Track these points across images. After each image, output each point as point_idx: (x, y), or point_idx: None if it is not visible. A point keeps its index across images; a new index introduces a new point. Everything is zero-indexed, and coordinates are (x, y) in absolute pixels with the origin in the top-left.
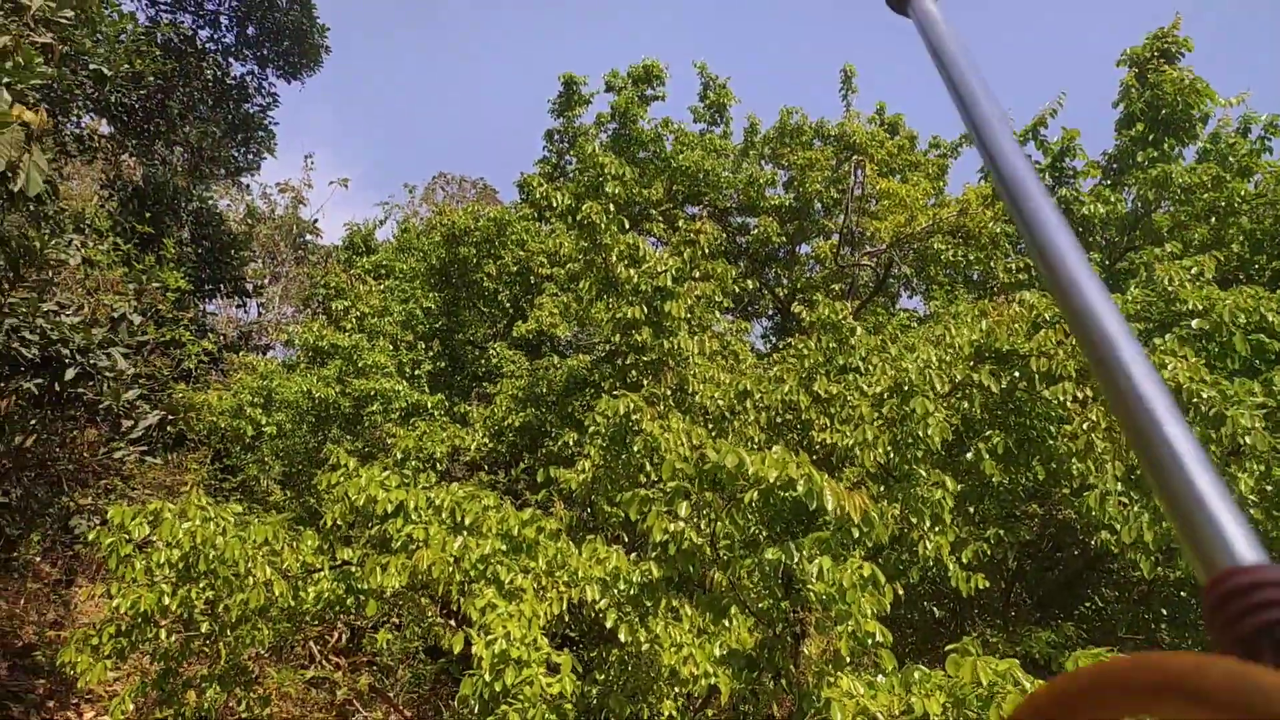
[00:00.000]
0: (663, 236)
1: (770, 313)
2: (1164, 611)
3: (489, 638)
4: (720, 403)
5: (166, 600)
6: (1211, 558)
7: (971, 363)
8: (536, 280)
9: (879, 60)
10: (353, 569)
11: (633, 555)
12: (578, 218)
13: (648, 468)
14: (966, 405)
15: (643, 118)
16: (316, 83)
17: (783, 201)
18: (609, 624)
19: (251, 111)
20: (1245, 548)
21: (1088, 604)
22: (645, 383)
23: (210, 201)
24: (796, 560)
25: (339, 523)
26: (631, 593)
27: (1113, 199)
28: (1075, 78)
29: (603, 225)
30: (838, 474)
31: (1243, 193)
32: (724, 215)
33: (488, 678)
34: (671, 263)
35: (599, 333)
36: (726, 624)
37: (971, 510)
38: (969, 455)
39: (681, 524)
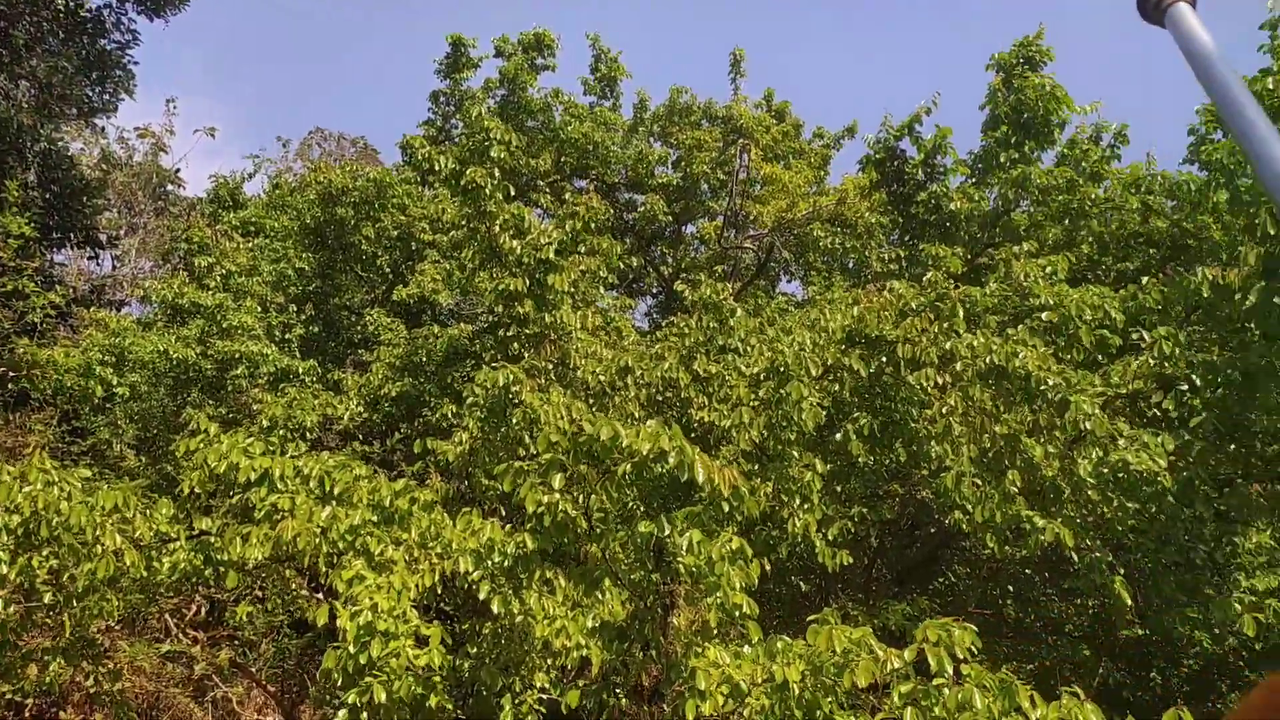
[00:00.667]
0: (550, 208)
1: (655, 291)
2: (1010, 588)
3: (355, 610)
4: (601, 378)
5: (4, 569)
6: None
7: (843, 347)
8: (418, 246)
9: (770, 48)
10: (212, 539)
11: (507, 527)
12: (462, 183)
13: (526, 440)
14: (837, 388)
15: (532, 86)
16: (184, 23)
17: (670, 180)
18: (482, 596)
19: (108, 48)
20: None
21: (941, 580)
22: (526, 355)
23: (60, 143)
24: (668, 533)
25: (197, 491)
26: (506, 565)
27: (976, 197)
28: (955, 77)
29: (488, 191)
30: (714, 452)
31: (1093, 197)
32: (612, 191)
33: (352, 650)
34: (556, 235)
35: (481, 303)
36: (599, 596)
37: (838, 489)
38: (838, 436)
39: (556, 496)
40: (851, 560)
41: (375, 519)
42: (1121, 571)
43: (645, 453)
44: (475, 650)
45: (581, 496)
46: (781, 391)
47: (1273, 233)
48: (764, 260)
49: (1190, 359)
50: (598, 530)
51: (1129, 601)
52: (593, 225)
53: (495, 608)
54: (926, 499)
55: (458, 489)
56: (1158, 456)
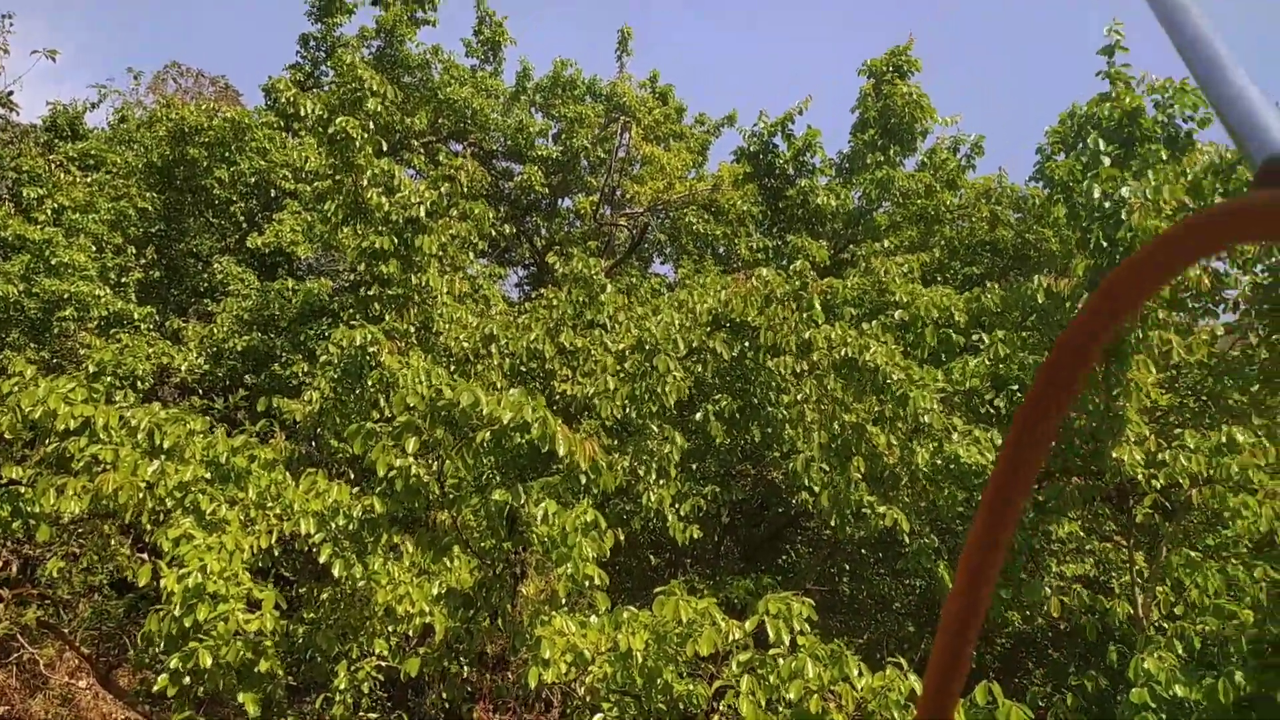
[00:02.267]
0: (423, 169)
1: (527, 261)
2: (846, 567)
3: (182, 571)
4: (465, 345)
5: None
6: (1268, 146)
7: (708, 329)
8: (277, 194)
9: (660, 30)
10: (22, 489)
11: (355, 490)
12: (330, 131)
13: (382, 403)
14: (700, 369)
15: (411, 40)
16: None
17: (550, 153)
18: (323, 560)
19: None
20: None
21: (785, 557)
22: (388, 317)
23: None
24: (523, 503)
25: (8, 438)
26: (351, 528)
27: (842, 195)
28: (829, 78)
29: (358, 143)
30: (575, 424)
31: (948, 203)
32: (489, 158)
33: (177, 612)
34: (428, 196)
35: (343, 259)
36: (448, 563)
37: (694, 467)
38: (698, 416)
39: (409, 460)
40: (701, 536)
41: (209, 476)
42: (946, 556)
43: (506, 421)
44: (311, 615)
45: (436, 462)
46: (648, 365)
47: (1104, 245)
48: (638, 239)
49: (1023, 361)
50: (450, 496)
51: (950, 583)
52: (467, 190)
53: (336, 572)
54: (776, 480)
55: (304, 450)
56: (986, 450)
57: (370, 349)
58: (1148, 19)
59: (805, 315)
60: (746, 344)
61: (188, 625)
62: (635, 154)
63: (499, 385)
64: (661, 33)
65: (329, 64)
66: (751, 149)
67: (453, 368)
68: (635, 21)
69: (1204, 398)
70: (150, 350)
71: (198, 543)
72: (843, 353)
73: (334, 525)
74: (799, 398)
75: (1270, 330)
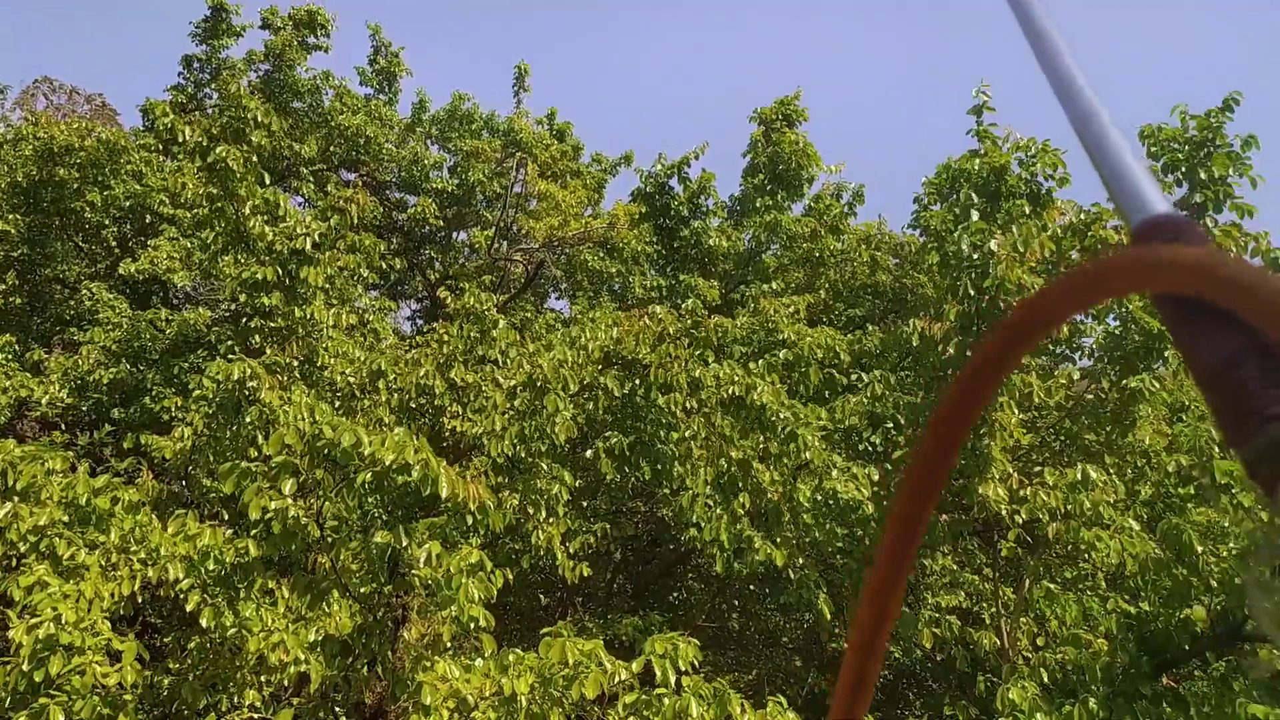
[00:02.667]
0: (312, 198)
1: (420, 294)
2: (735, 602)
3: (33, 621)
4: (351, 380)
5: None
6: (1140, 209)
7: (600, 366)
8: (153, 220)
9: (559, 68)
10: None
11: (228, 532)
12: (209, 160)
13: (260, 441)
14: (591, 406)
15: (301, 65)
16: None
17: (445, 185)
18: (190, 607)
19: None
20: (1162, 203)
21: (676, 594)
22: (269, 350)
23: None
24: (406, 545)
25: None
26: (222, 573)
27: (734, 236)
28: (725, 122)
29: (239, 174)
30: (465, 461)
31: (832, 248)
32: (382, 188)
33: (26, 667)
34: (315, 227)
35: (224, 289)
36: (325, 608)
37: (585, 504)
38: (589, 454)
39: (286, 502)
40: (591, 574)
41: (67, 519)
42: (825, 590)
43: (389, 463)
44: (177, 666)
45: (316, 503)
46: (537, 403)
47: (972, 293)
48: (533, 275)
49: (897, 400)
50: (330, 539)
51: (829, 616)
52: (357, 221)
53: (204, 621)
54: (667, 517)
55: (173, 489)
56: (863, 486)
57: (249, 384)
58: (1018, 81)
59: (696, 354)
60: (638, 381)
61: (38, 680)
62: (531, 190)
63: (386, 421)
64: (565, 68)
65: (213, 85)
66: (648, 190)
67: (338, 403)
68: (538, 58)
69: (1062, 437)
70: (8, 383)
71: (53, 590)
72: (731, 391)
73: (203, 570)
74: (688, 435)
75: (1120, 376)
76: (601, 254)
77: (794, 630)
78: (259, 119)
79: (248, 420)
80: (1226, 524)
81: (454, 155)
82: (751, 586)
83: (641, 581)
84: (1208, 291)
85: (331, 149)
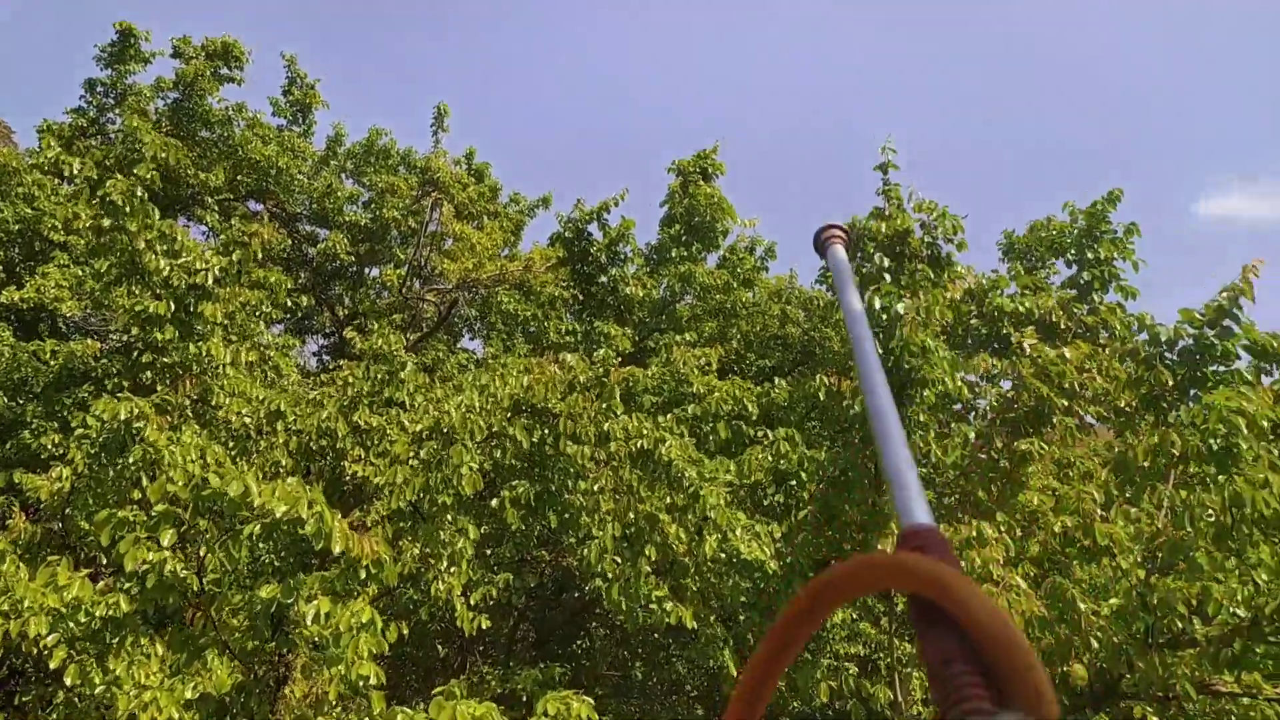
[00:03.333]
0: (216, 228)
1: (328, 330)
2: (640, 651)
3: None
4: (248, 420)
5: None
6: (907, 517)
7: (509, 414)
8: (43, 246)
9: (481, 109)
10: None
11: (101, 584)
12: (100, 193)
13: (145, 483)
14: (499, 454)
15: (213, 95)
16: None
17: (359, 219)
18: (54, 665)
19: None
20: (924, 515)
21: (580, 642)
22: (160, 388)
23: None
24: (292, 601)
25: None
26: (94, 627)
27: (649, 285)
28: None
29: (127, 209)
30: (366, 507)
31: (744, 299)
32: (293, 220)
33: None
34: (215, 262)
35: (116, 321)
36: (203, 665)
37: (489, 553)
38: (494, 503)
39: (165, 554)
40: (490, 624)
41: None
42: (730, 642)
43: (279, 515)
44: None
45: (198, 553)
46: (443, 454)
47: (879, 353)
48: (445, 316)
49: (802, 456)
50: (211, 593)
51: (735, 671)
52: (261, 255)
53: (69, 679)
54: (572, 566)
55: (48, 533)
56: (766, 545)
57: (137, 423)
58: (918, 141)
59: (605, 406)
60: (546, 430)
61: None
62: (447, 229)
63: (284, 464)
64: (490, 108)
65: (117, 110)
66: (567, 234)
67: (232, 445)
68: (461, 96)
69: (957, 495)
70: None
71: None
72: (639, 445)
73: (73, 624)
74: (595, 487)
75: (1010, 437)
76: (517, 296)
77: (698, 679)
78: (154, 153)
79: (131, 461)
80: (1112, 581)
81: (369, 190)
82: (656, 635)
83: (545, 630)
84: (934, 596)
85: (240, 178)
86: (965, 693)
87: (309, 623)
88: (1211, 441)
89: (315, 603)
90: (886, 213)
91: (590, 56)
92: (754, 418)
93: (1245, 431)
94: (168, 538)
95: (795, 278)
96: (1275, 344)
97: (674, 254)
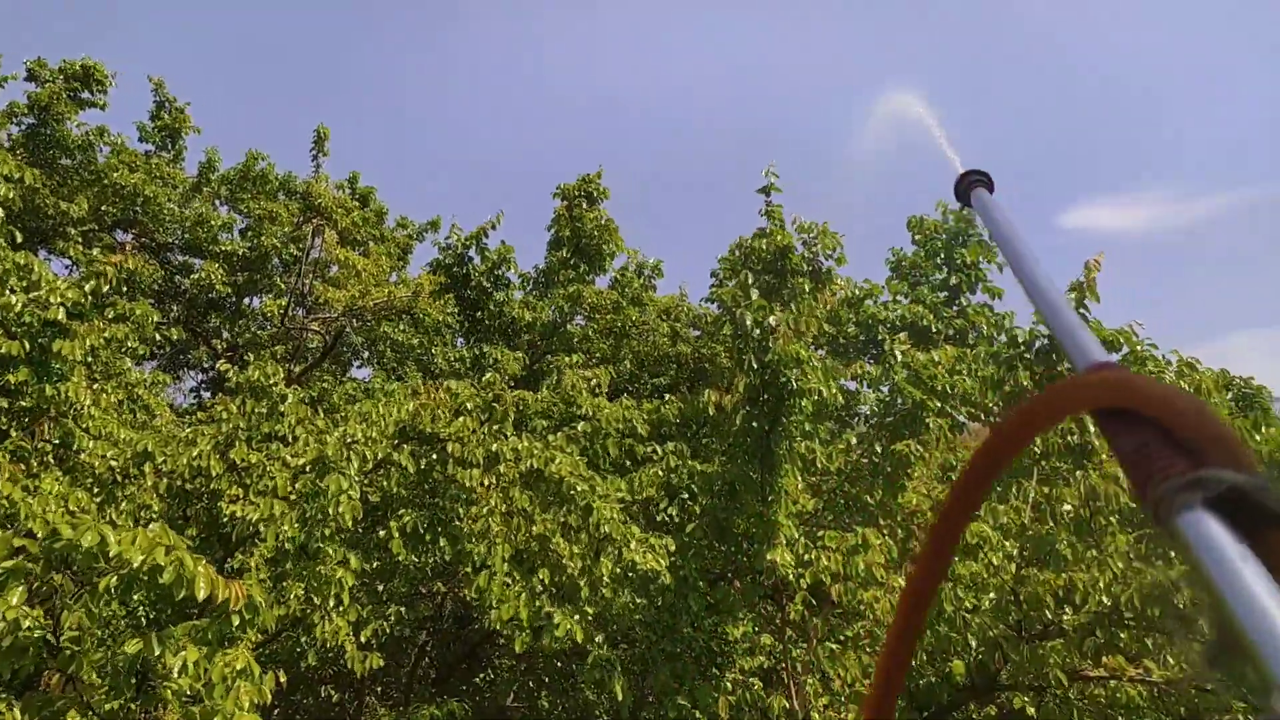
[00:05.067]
0: (79, 260)
1: (205, 365)
2: (545, 679)
3: None
4: (114, 464)
5: None
6: (1089, 356)
7: (395, 442)
8: None
9: (361, 133)
10: None
11: None
12: None
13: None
14: (385, 483)
15: (71, 120)
16: None
17: (236, 248)
18: None
19: None
20: (1102, 353)
21: (483, 675)
22: (14, 434)
23: None
24: (159, 654)
25: None
26: None
27: (538, 307)
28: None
29: None
30: (246, 548)
31: (634, 319)
32: (164, 250)
33: None
34: (71, 295)
35: None
36: None
37: (380, 588)
38: (381, 534)
39: (16, 612)
40: (385, 663)
41: None
42: (619, 666)
43: (138, 565)
44: None
45: (54, 610)
46: (320, 484)
47: (756, 367)
48: (331, 345)
49: (692, 470)
50: (69, 652)
51: (620, 696)
52: (123, 287)
53: None
54: (469, 596)
55: None
56: (661, 557)
57: None
58: (798, 168)
59: (495, 428)
60: (435, 456)
61: None
62: (330, 256)
63: (155, 509)
64: (375, 131)
65: None
66: (446, 261)
67: (97, 491)
68: (345, 121)
69: (843, 501)
70: None
71: None
72: (529, 464)
73: None
74: (484, 511)
75: (890, 441)
76: (404, 325)
77: (607, 704)
78: (8, 173)
79: None
80: (986, 577)
81: (246, 217)
82: (559, 663)
83: (447, 665)
84: (1137, 403)
85: (105, 208)
86: (1167, 465)
87: (176, 675)
88: (1070, 438)
89: (182, 654)
90: (769, 231)
91: (484, 79)
92: (645, 435)
93: (1095, 430)
94: (16, 596)
95: (686, 295)
96: (1120, 339)
97: (561, 276)
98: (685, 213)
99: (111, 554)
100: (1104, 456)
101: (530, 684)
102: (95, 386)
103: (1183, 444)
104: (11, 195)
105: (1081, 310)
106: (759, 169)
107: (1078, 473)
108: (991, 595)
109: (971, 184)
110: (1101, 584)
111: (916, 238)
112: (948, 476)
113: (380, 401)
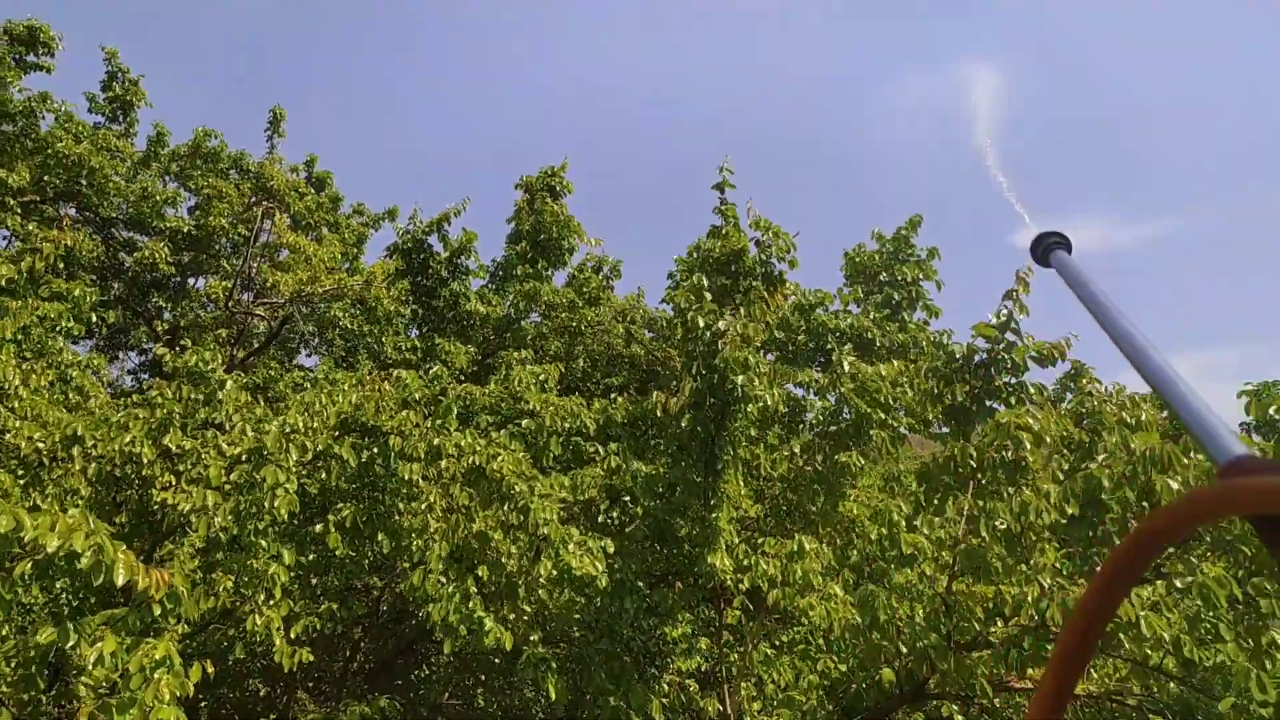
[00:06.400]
0: (18, 231)
1: (144, 347)
2: (481, 676)
3: None
4: (41, 446)
5: None
6: (1228, 451)
7: (336, 433)
8: None
9: (322, 116)
10: None
11: None
12: None
13: None
14: (324, 475)
15: (14, 85)
16: None
17: (181, 225)
18: None
19: None
20: (1240, 446)
21: (418, 671)
22: None
23: None
24: (74, 643)
25: None
26: None
27: (494, 301)
28: (494, 183)
29: None
30: (175, 538)
31: (590, 318)
32: (107, 225)
33: None
34: (4, 271)
35: None
36: None
37: (315, 581)
38: (318, 528)
39: None
40: (315, 658)
41: None
42: (554, 666)
43: (53, 549)
44: None
45: None
46: (256, 476)
47: (704, 371)
48: (276, 331)
49: (635, 472)
50: None
51: (555, 695)
52: (60, 263)
53: None
54: (406, 591)
55: None
56: (599, 560)
57: None
58: (751, 158)
59: (439, 422)
60: (376, 449)
61: None
62: (280, 240)
63: (82, 494)
64: (338, 117)
65: None
66: (405, 246)
67: (22, 474)
68: (304, 105)
69: (784, 507)
70: None
71: None
72: (471, 461)
73: None
74: (423, 507)
75: (833, 450)
76: (355, 312)
77: (544, 703)
78: None
79: None
80: (920, 587)
81: (194, 194)
82: (496, 659)
83: (381, 660)
84: None
85: (47, 179)
86: None
87: (92, 666)
88: (1003, 454)
89: (99, 645)
90: (724, 231)
91: (453, 68)
92: (591, 434)
93: (1029, 446)
94: None
95: (643, 296)
96: (1053, 351)
97: (519, 271)
98: (652, 214)
99: (26, 539)
100: (1037, 472)
101: (466, 681)
102: (25, 366)
103: None
104: None
105: (1014, 324)
106: (728, 169)
107: (1010, 489)
108: (924, 605)
109: (1050, 247)
110: (1030, 598)
111: (855, 263)
112: (889, 486)
113: (324, 390)
